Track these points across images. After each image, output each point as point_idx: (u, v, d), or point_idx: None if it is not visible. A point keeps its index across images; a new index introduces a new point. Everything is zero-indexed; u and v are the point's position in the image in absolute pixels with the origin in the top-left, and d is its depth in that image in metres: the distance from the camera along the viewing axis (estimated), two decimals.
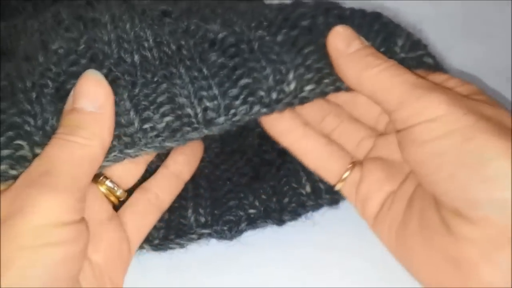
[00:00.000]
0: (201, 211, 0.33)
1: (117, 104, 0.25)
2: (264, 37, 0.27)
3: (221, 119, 0.26)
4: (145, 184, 0.31)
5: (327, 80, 0.26)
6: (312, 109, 0.31)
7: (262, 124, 0.31)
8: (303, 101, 0.26)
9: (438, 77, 0.27)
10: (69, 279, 0.23)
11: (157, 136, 0.25)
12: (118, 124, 0.25)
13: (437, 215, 0.24)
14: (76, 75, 0.26)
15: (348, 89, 0.27)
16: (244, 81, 0.26)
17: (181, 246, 0.32)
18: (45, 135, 0.25)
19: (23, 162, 0.24)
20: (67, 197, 0.23)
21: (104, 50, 0.27)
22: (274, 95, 0.26)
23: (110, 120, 0.25)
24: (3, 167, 0.24)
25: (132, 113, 0.25)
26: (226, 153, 0.36)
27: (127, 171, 0.30)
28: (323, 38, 0.26)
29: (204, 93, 0.25)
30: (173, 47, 0.27)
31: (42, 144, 0.25)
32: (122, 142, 0.25)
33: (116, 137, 0.25)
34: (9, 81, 0.27)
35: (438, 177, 0.23)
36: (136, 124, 0.25)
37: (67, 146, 0.23)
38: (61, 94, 0.26)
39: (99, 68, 0.26)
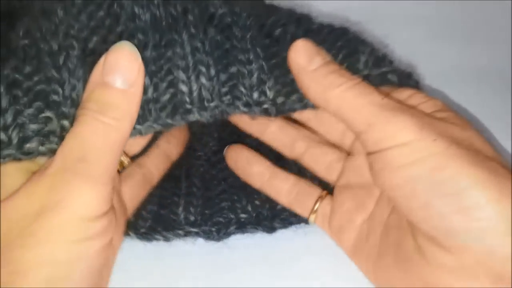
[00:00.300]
0: (191, 209, 0.33)
1: None
2: (254, 27, 0.26)
3: (214, 103, 0.24)
4: (140, 160, 0.32)
5: (294, 96, 0.25)
6: (281, 137, 0.32)
7: (232, 168, 0.33)
8: (279, 113, 0.25)
9: (403, 93, 0.26)
10: (102, 269, 0.23)
11: (161, 109, 0.24)
12: None
13: (414, 243, 0.24)
14: (97, 31, 0.24)
15: (312, 107, 0.26)
16: (233, 69, 0.25)
17: (166, 239, 0.32)
18: (73, 104, 0.23)
19: (52, 137, 0.23)
20: (103, 188, 0.22)
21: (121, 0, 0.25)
22: (255, 95, 0.25)
23: (140, 98, 0.23)
24: (33, 144, 0.23)
25: (147, 78, 0.23)
26: (224, 152, 0.35)
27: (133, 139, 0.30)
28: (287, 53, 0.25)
29: (203, 69, 0.24)
30: (179, 9, 0.25)
31: (69, 116, 0.23)
32: None
33: None
34: (31, 40, 0.24)
35: (413, 204, 0.23)
36: (149, 92, 0.24)
37: (101, 128, 0.22)
38: (86, 54, 0.24)
39: (115, 23, 0.24)
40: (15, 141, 0.23)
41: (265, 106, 0.25)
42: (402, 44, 0.37)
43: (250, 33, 0.25)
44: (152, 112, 0.24)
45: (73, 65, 0.24)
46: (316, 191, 0.31)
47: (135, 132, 0.24)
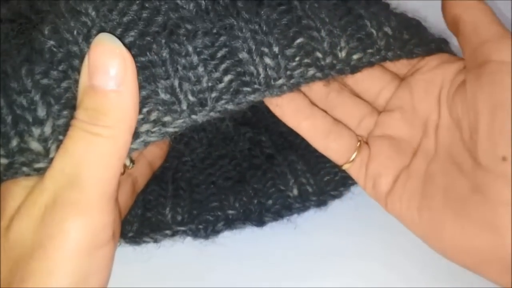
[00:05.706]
0: (178, 209, 0.32)
1: (182, 56, 0.22)
2: None
3: (281, 81, 0.23)
4: (128, 169, 0.32)
5: (371, 50, 0.25)
6: (317, 87, 0.30)
7: (268, 107, 0.30)
8: (354, 70, 0.25)
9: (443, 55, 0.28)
10: None
11: (218, 99, 0.22)
12: (187, 80, 0.22)
13: (469, 185, 0.24)
14: (133, 26, 0.22)
15: (390, 59, 0.26)
16: (300, 40, 0.24)
17: (155, 241, 0.31)
18: None
19: None
20: (100, 216, 0.21)
21: None
22: (328, 59, 0.24)
23: (135, 95, 0.21)
24: None
25: (200, 68, 0.22)
26: (213, 158, 0.36)
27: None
28: (359, 10, 0.26)
29: (266, 50, 0.23)
30: None
31: None
32: (189, 105, 0.22)
33: (184, 98, 0.22)
34: (59, 42, 0.22)
35: None
36: (204, 82, 0.22)
37: (92, 141, 0.20)
38: None
39: (155, 14, 0.23)
40: (52, 154, 0.21)
41: (338, 67, 0.25)
42: None
43: (308, 4, 0.25)
44: (208, 101, 0.22)
45: None
46: (353, 138, 0.30)
47: (191, 121, 0.22)
